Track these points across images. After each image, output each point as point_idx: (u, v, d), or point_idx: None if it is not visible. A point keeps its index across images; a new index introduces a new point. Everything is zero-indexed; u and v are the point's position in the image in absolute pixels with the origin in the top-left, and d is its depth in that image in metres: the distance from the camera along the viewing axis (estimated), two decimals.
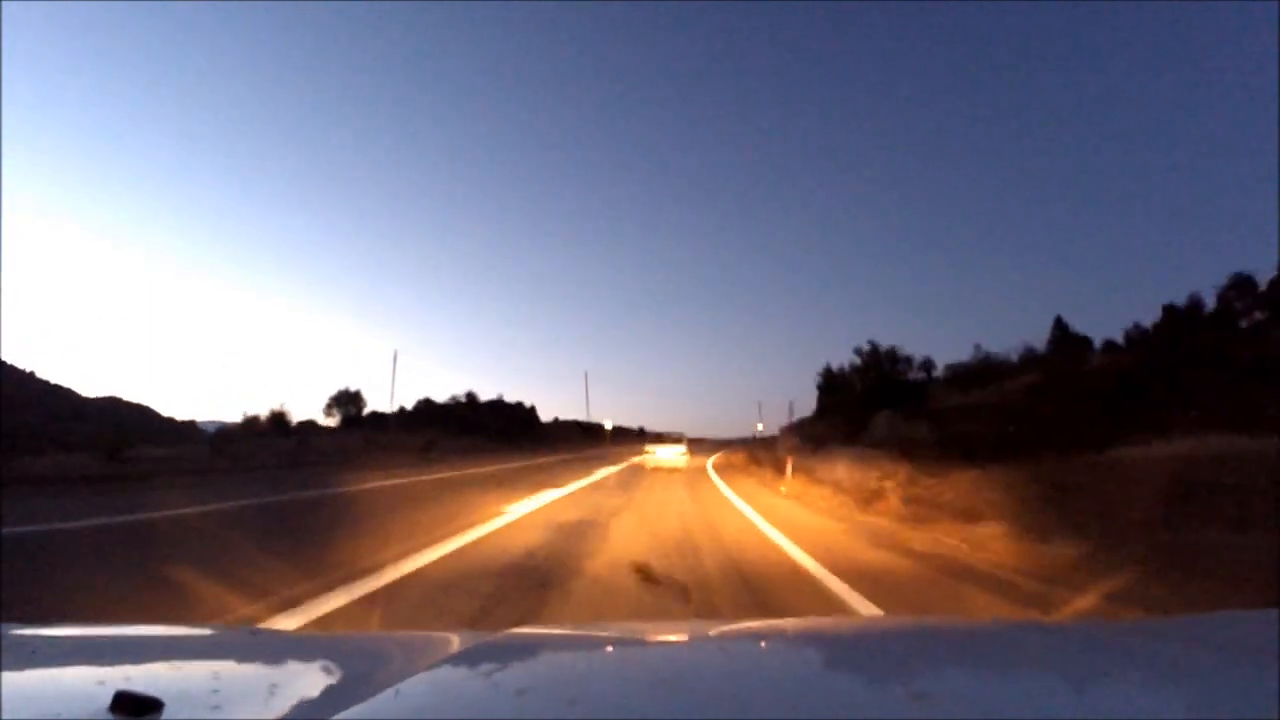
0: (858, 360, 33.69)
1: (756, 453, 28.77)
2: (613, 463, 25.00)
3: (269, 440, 28.57)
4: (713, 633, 1.38)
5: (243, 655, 1.19)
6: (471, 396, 60.81)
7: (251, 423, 33.45)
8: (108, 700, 0.72)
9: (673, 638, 1.35)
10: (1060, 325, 37.59)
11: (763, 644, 1.24)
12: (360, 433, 37.68)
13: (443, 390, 65.82)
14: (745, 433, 67.75)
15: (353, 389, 47.86)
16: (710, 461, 28.04)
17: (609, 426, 70.74)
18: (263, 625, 3.44)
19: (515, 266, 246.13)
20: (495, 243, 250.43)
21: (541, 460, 26.88)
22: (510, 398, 67.84)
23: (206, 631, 1.73)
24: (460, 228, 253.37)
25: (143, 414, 55.84)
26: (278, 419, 33.98)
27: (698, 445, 43.20)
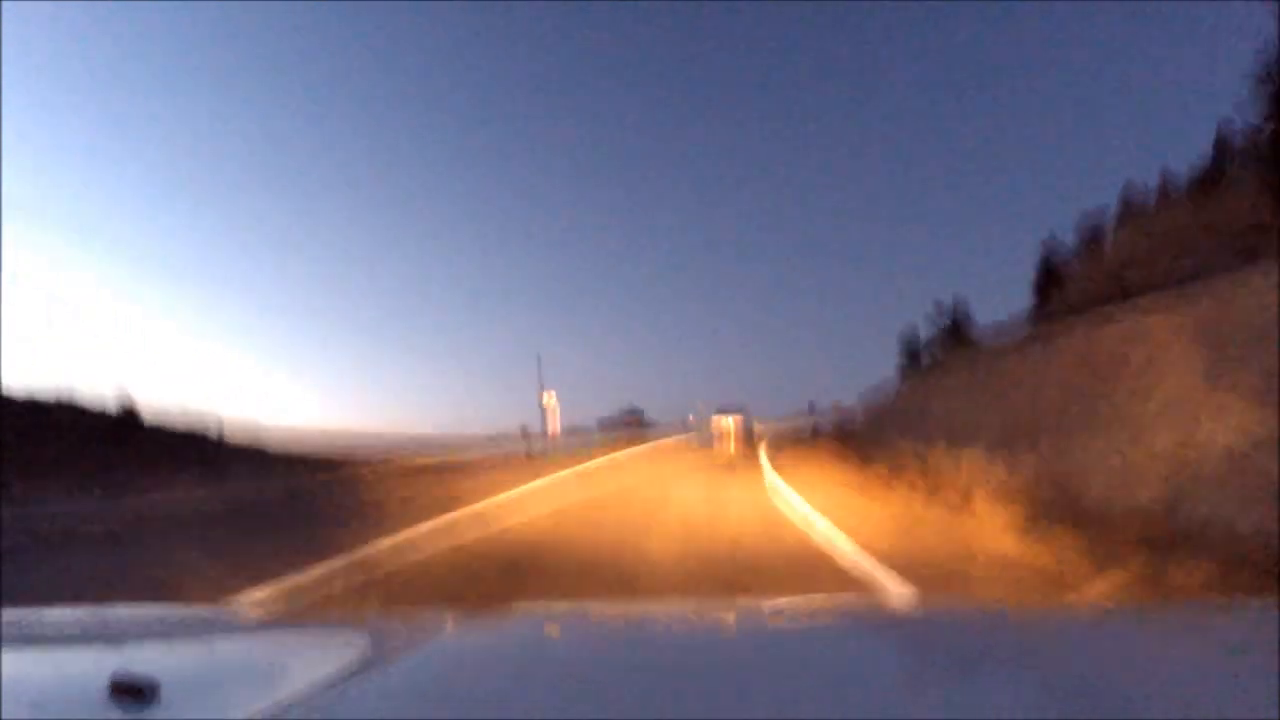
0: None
1: None
2: None
3: None
4: (720, 611, 1.37)
5: (240, 636, 1.20)
6: None
7: None
8: (105, 681, 0.71)
9: (678, 615, 1.35)
10: None
11: (770, 623, 1.22)
12: None
13: None
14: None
15: None
16: None
17: None
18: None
19: None
20: None
21: None
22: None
23: (204, 612, 1.75)
24: None
25: None
26: None
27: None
